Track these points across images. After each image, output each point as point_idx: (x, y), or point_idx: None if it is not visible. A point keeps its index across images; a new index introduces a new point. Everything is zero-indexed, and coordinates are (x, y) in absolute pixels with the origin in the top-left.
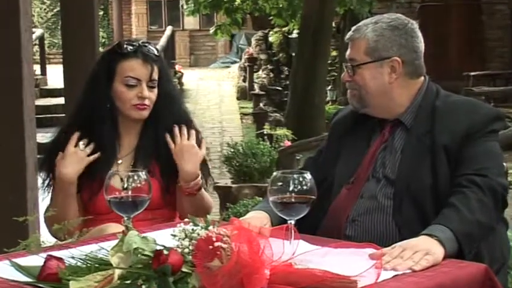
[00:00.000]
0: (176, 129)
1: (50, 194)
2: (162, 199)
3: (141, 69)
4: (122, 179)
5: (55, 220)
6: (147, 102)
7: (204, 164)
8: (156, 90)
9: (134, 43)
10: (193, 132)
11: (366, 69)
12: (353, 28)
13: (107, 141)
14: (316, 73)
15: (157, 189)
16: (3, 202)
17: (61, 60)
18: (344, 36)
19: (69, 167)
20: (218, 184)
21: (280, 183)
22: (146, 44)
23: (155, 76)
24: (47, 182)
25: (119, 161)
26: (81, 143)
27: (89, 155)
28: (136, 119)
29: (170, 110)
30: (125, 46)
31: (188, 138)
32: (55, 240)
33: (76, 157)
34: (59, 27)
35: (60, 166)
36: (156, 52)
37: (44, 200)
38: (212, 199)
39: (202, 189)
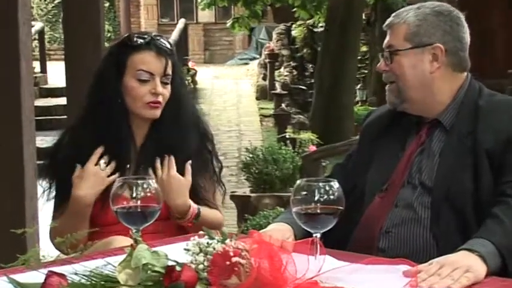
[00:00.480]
0: (158, 163)
1: (54, 203)
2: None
3: (155, 63)
4: (130, 187)
5: (59, 234)
6: (160, 99)
7: (213, 173)
8: (169, 87)
9: (145, 35)
10: (172, 160)
11: (405, 56)
12: (393, 14)
13: (121, 143)
14: (344, 70)
15: None
16: (0, 211)
17: (62, 56)
18: (375, 29)
19: (88, 189)
20: (235, 193)
21: (304, 193)
22: (158, 37)
23: (169, 71)
24: (48, 190)
25: (127, 165)
26: (102, 161)
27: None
28: (147, 119)
29: (181, 111)
30: (135, 39)
31: (169, 169)
32: (58, 253)
33: (96, 178)
34: (60, 20)
35: (77, 188)
36: (169, 46)
37: (43, 209)
38: (229, 210)
39: (203, 213)
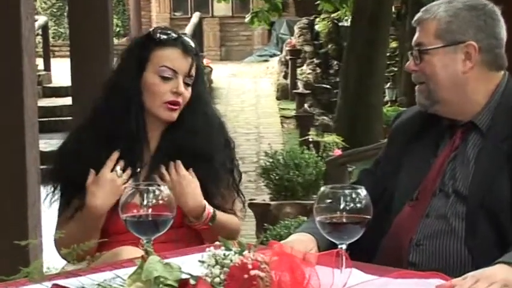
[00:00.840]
0: (163, 169)
1: (58, 208)
2: (185, 214)
3: (180, 61)
4: (141, 194)
5: (67, 243)
6: (180, 100)
7: (231, 178)
8: (190, 89)
9: (170, 31)
10: (179, 162)
11: (436, 55)
12: (422, 9)
13: (134, 144)
14: (372, 68)
15: None
16: (1, 219)
17: (68, 53)
18: (405, 23)
19: (103, 199)
20: (254, 201)
21: (328, 200)
22: (184, 35)
23: (193, 72)
24: (51, 193)
25: (138, 169)
26: (118, 167)
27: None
28: (163, 120)
29: (199, 115)
30: (161, 32)
31: (178, 169)
32: (63, 265)
33: (113, 186)
34: (65, 14)
35: (93, 196)
36: (194, 44)
37: (46, 215)
38: (247, 219)
39: (219, 216)
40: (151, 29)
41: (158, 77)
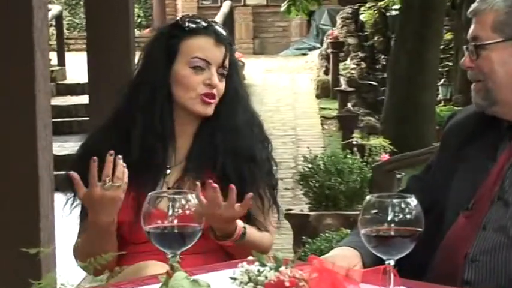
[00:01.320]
0: (199, 190)
1: (79, 215)
2: None
3: (213, 50)
4: (165, 203)
5: (85, 254)
6: (215, 92)
7: (268, 184)
8: (224, 82)
9: (201, 19)
10: (233, 188)
11: (494, 50)
12: None
13: (162, 144)
14: (424, 63)
15: None
16: (10, 233)
17: (84, 46)
18: (461, 13)
19: (101, 214)
20: (291, 211)
21: (375, 211)
22: (215, 23)
23: (227, 63)
24: (72, 199)
25: (167, 171)
26: (107, 179)
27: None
28: (198, 115)
29: (238, 110)
30: (192, 21)
31: (231, 200)
32: (80, 278)
33: (105, 200)
34: (81, 3)
35: (89, 212)
36: (226, 34)
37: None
38: (283, 231)
39: (249, 233)
40: (179, 17)
41: (189, 68)
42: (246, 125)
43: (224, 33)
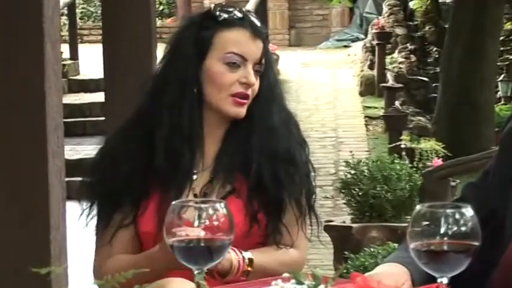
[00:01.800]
0: None
1: (96, 230)
2: (248, 231)
3: (250, 45)
4: (191, 213)
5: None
6: (250, 92)
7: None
8: (259, 80)
9: (235, 9)
10: None
11: None
12: None
13: (188, 145)
14: (482, 56)
15: (242, 215)
16: (18, 246)
17: (99, 37)
18: None
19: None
20: (332, 223)
21: (426, 222)
22: (251, 13)
23: (263, 58)
24: (88, 209)
25: (194, 176)
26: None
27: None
28: (229, 117)
29: (271, 109)
30: (226, 10)
31: None
32: None
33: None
34: None
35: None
36: (262, 25)
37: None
38: (323, 245)
39: (260, 262)
40: (211, 6)
41: (224, 64)
42: (283, 124)
43: (259, 24)
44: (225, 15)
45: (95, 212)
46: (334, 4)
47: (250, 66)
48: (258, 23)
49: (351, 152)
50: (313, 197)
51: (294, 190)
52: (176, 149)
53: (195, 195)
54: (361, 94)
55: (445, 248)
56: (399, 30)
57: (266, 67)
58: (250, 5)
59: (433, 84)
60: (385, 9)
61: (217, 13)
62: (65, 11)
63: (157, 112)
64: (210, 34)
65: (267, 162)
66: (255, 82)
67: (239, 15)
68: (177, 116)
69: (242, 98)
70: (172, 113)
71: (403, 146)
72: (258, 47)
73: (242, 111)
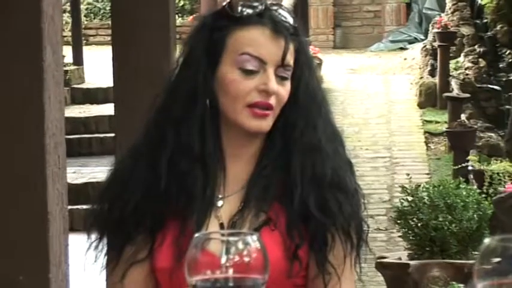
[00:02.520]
0: None
1: (106, 266)
2: (287, 269)
3: (269, 45)
4: (218, 248)
5: None
6: (273, 101)
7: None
8: (288, 85)
9: (255, 3)
10: None
11: None
12: None
13: (201, 166)
14: None
15: (280, 251)
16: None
17: (108, 38)
18: None
19: None
20: (385, 259)
21: (497, 259)
22: (276, 7)
23: (290, 60)
24: (97, 241)
25: (219, 203)
26: None
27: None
28: (250, 132)
29: (315, 123)
30: (241, 6)
31: None
32: None
33: None
34: None
35: None
36: (291, 19)
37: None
38: (373, 285)
39: None
40: (225, 1)
41: (238, 69)
42: (329, 142)
43: (288, 18)
44: (240, 12)
45: (104, 245)
46: None
47: (271, 70)
48: (283, 17)
49: (408, 175)
50: (365, 229)
51: (344, 221)
52: (183, 171)
53: (221, 225)
54: (420, 106)
55: None
56: (465, 30)
57: (302, 69)
58: (287, 2)
59: (506, 94)
60: (448, 4)
61: (233, 9)
62: (68, 7)
63: (163, 128)
64: (223, 35)
65: (312, 187)
66: (279, 89)
67: (258, 9)
68: (186, 134)
69: (262, 108)
70: (178, 130)
71: (470, 168)
72: (280, 46)
73: (264, 124)
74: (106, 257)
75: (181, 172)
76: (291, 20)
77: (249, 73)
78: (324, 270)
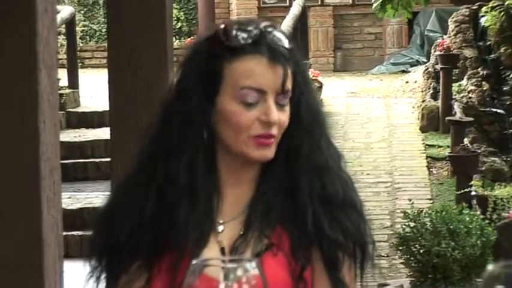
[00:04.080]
0: None
1: None
2: None
3: (267, 74)
4: (216, 276)
5: None
6: (274, 131)
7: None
8: (288, 109)
9: (250, 27)
10: None
11: None
12: None
13: (200, 199)
14: None
15: (285, 273)
16: None
17: (104, 61)
18: None
19: None
20: (386, 287)
21: (500, 287)
22: (270, 29)
23: (289, 85)
24: (96, 269)
25: (219, 228)
26: None
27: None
28: (255, 161)
29: (319, 143)
30: (235, 33)
31: None
32: None
33: None
34: (100, 1)
35: None
36: (286, 41)
37: None
38: None
39: None
40: (220, 27)
41: (240, 103)
42: (334, 160)
43: (283, 41)
44: (234, 41)
45: (101, 273)
46: (389, 17)
47: (271, 99)
48: (282, 42)
49: (410, 200)
50: (373, 247)
51: (360, 237)
52: (171, 201)
53: (222, 250)
54: (423, 130)
55: None
56: (468, 52)
57: (300, 89)
58: (288, 22)
59: (510, 118)
60: (451, 26)
61: (226, 38)
62: (63, 30)
63: (154, 159)
64: (219, 65)
65: (323, 207)
66: (281, 117)
67: (253, 36)
68: (175, 164)
69: (265, 138)
70: (168, 160)
71: (473, 193)
72: (279, 74)
73: (269, 153)
74: (106, 284)
75: (169, 203)
76: (286, 42)
77: (250, 105)
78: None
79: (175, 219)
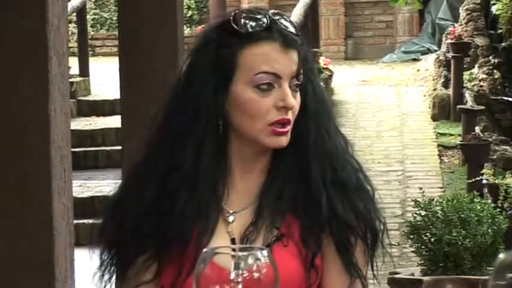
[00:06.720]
0: None
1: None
2: (305, 279)
3: (282, 59)
4: (227, 264)
5: None
6: (290, 116)
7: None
8: (299, 95)
9: (259, 16)
10: None
11: None
12: None
13: (202, 187)
14: None
15: (297, 262)
16: None
17: (115, 49)
18: None
19: None
20: (397, 275)
21: (511, 275)
22: (277, 17)
23: (301, 70)
24: (108, 261)
25: (230, 218)
26: None
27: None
28: (271, 148)
29: (328, 129)
30: (246, 22)
31: None
32: None
33: None
34: None
35: None
36: (293, 29)
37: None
38: None
39: None
40: (231, 15)
41: (254, 89)
42: (343, 145)
43: (290, 27)
44: (248, 28)
45: (110, 263)
46: (401, 4)
47: (286, 84)
48: (290, 29)
49: (421, 189)
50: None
51: (373, 221)
52: (175, 189)
53: (233, 240)
54: (434, 118)
55: None
56: (480, 41)
57: (308, 76)
58: (298, 10)
59: None
60: (462, 14)
61: (238, 26)
62: (74, 18)
63: (161, 147)
64: (232, 53)
65: (337, 192)
66: (295, 103)
67: (264, 22)
68: (181, 152)
69: (283, 125)
70: (174, 147)
71: (484, 181)
72: (292, 59)
73: (285, 140)
74: (116, 276)
75: (170, 190)
76: (293, 30)
77: (265, 91)
78: (352, 272)
79: (175, 206)
